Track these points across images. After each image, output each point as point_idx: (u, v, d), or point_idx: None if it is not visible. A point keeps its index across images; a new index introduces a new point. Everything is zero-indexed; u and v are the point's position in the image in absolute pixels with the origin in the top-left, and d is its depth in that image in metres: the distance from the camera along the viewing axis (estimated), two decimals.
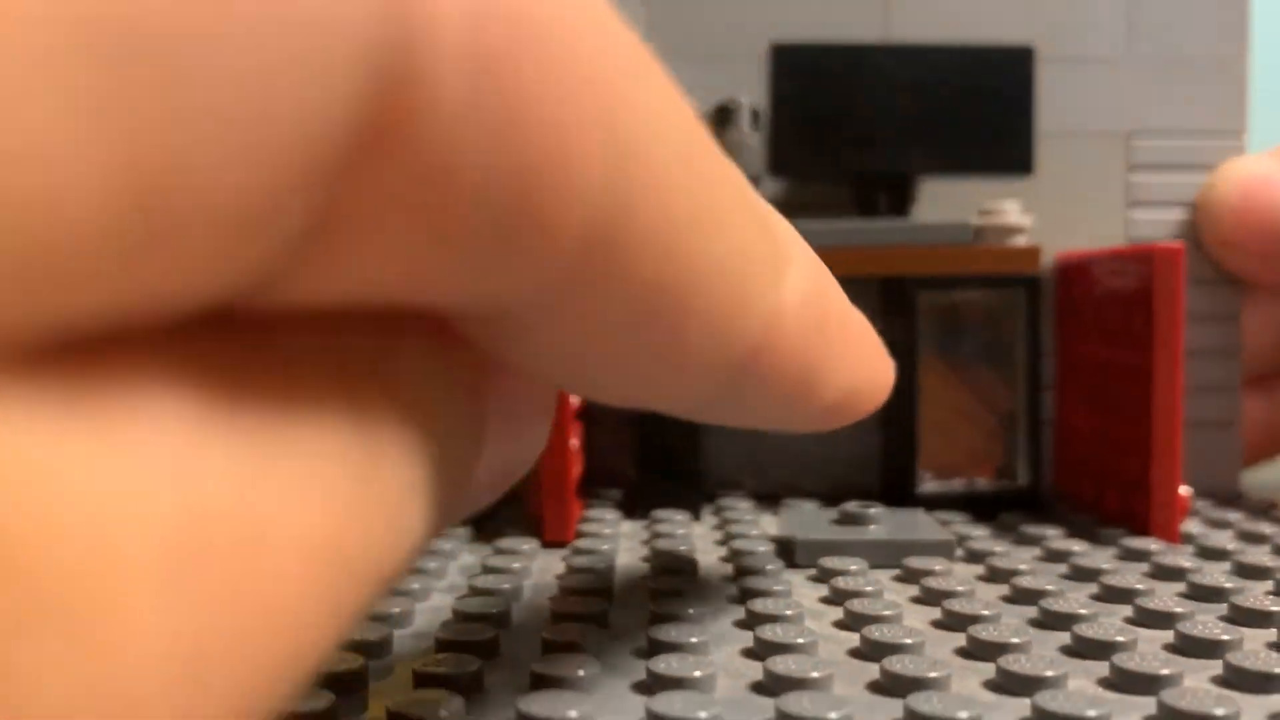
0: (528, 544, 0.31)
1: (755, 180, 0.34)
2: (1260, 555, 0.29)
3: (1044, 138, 0.38)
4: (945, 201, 0.38)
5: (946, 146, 0.36)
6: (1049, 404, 0.39)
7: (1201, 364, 0.39)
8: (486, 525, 0.34)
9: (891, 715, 0.20)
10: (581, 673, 0.21)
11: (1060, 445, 0.39)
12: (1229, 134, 0.39)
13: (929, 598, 0.26)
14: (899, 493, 0.36)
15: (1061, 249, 0.39)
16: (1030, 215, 0.36)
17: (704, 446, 0.39)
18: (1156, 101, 0.39)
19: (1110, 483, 0.35)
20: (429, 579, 0.28)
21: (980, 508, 0.35)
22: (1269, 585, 0.27)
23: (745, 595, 0.26)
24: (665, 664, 0.21)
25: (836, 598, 0.26)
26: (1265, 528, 0.32)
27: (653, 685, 0.20)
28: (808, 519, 0.32)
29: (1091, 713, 0.19)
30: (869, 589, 0.26)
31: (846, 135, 0.36)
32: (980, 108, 0.36)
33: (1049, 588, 0.26)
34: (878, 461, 0.39)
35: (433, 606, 0.26)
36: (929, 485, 0.36)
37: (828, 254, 0.35)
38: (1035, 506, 0.35)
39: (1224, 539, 0.31)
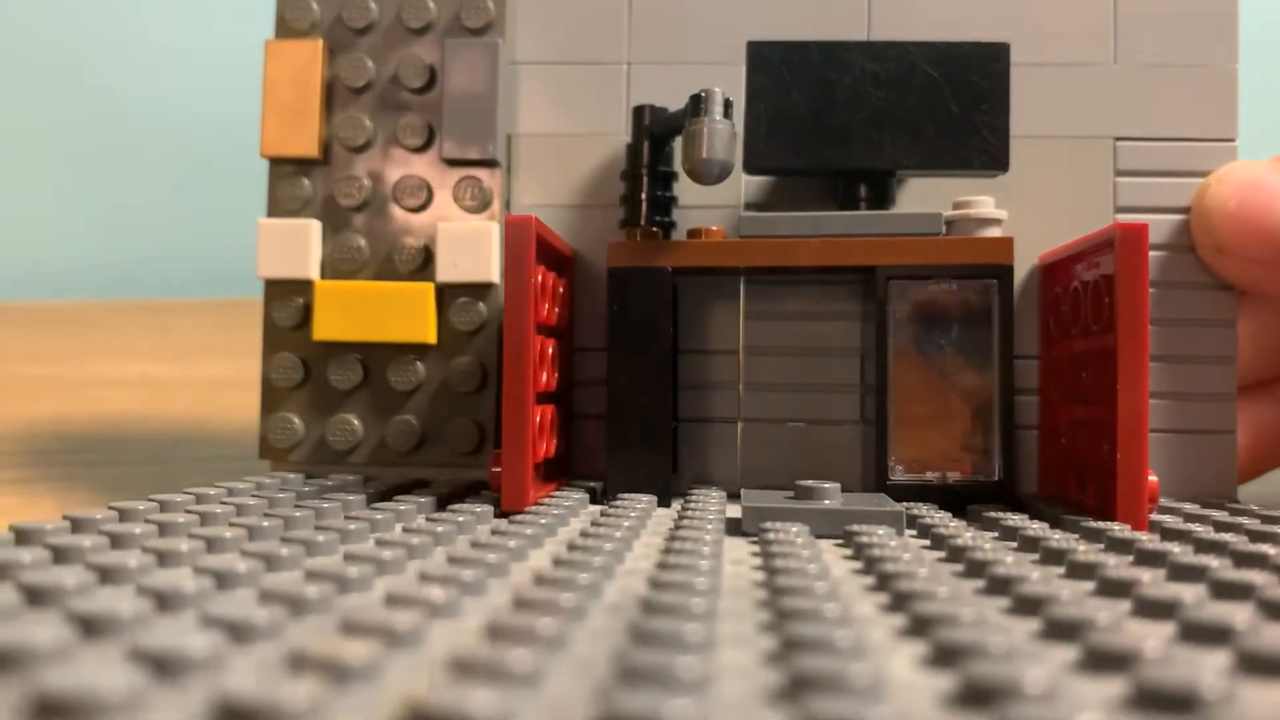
0: (481, 508, 0.31)
1: (728, 167, 0.35)
2: (1224, 536, 0.28)
3: (1030, 141, 0.39)
4: (930, 201, 0.38)
5: (921, 143, 0.36)
6: (1034, 408, 0.38)
7: (1198, 371, 0.38)
8: (454, 498, 0.35)
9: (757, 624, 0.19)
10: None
11: (1045, 449, 0.38)
12: (1220, 140, 0.38)
13: (857, 553, 0.26)
14: (871, 483, 0.36)
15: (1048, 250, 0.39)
16: (1005, 210, 0.36)
17: (685, 447, 0.39)
18: (1144, 107, 0.39)
19: (1089, 476, 0.34)
20: (375, 528, 0.29)
21: (951, 499, 0.35)
22: (1225, 560, 0.26)
23: (667, 544, 0.26)
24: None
25: (764, 551, 0.26)
26: (1244, 520, 0.31)
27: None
28: (764, 495, 0.32)
29: (965, 620, 0.18)
30: (798, 540, 0.26)
31: (822, 132, 0.36)
32: (956, 104, 0.36)
33: (985, 547, 0.26)
34: (861, 464, 0.39)
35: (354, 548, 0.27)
36: (901, 476, 0.35)
37: (803, 243, 0.36)
38: (1009, 502, 0.35)
39: (1193, 526, 0.30)
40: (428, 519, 0.29)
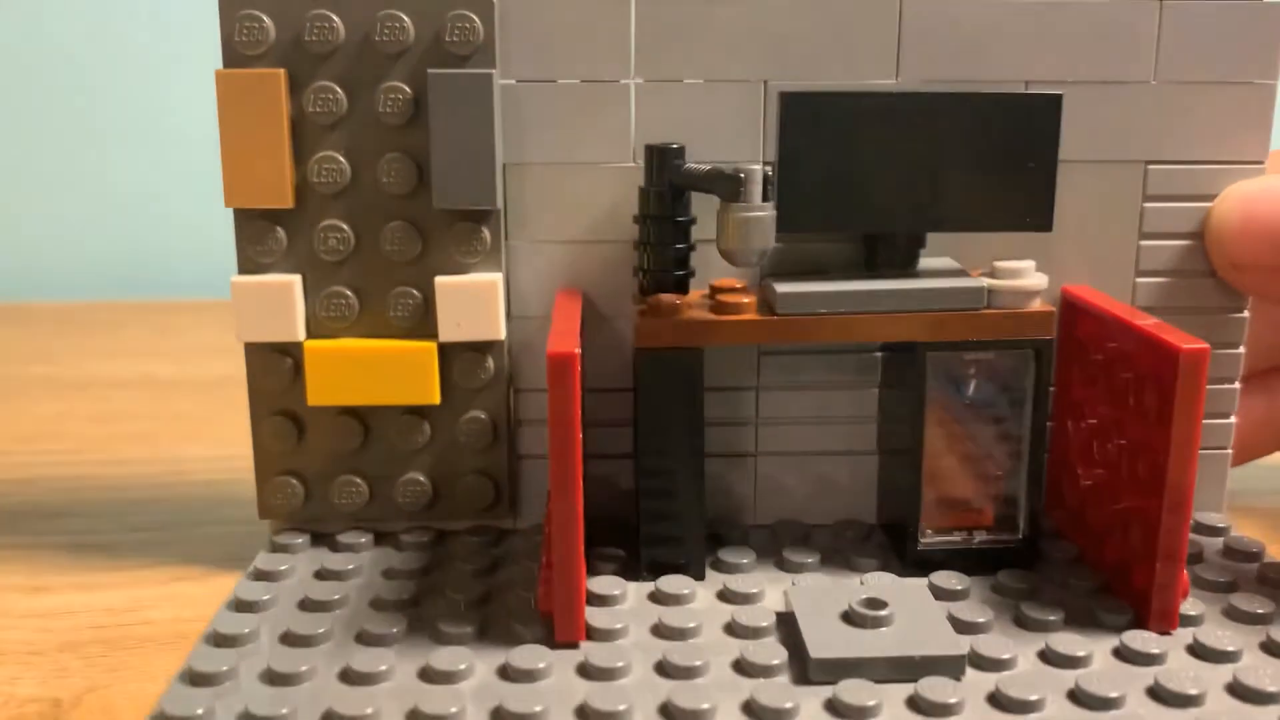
0: (542, 661, 0.30)
1: (768, 251, 0.33)
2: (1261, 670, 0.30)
3: (1060, 165, 0.37)
4: (957, 244, 0.37)
5: (962, 202, 0.34)
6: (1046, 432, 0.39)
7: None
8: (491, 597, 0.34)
9: None
10: None
11: (1053, 475, 0.39)
12: (1248, 164, 0.37)
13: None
14: (899, 546, 0.36)
15: (1070, 280, 0.38)
16: (1046, 275, 0.35)
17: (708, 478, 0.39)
18: (1177, 130, 0.37)
19: (1111, 540, 0.35)
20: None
21: (978, 562, 0.35)
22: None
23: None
24: None
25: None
26: (1256, 604, 0.33)
27: None
28: (816, 614, 0.32)
29: None
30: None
31: (857, 191, 0.34)
32: (1001, 160, 0.34)
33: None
34: (877, 492, 0.39)
35: None
36: (929, 538, 0.36)
37: (841, 320, 0.34)
38: (1032, 562, 0.36)
39: (1221, 635, 0.31)
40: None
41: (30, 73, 0.91)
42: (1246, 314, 0.38)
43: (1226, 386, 0.39)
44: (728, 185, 0.32)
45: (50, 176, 0.92)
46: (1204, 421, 0.38)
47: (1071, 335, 0.37)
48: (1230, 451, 0.40)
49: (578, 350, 0.30)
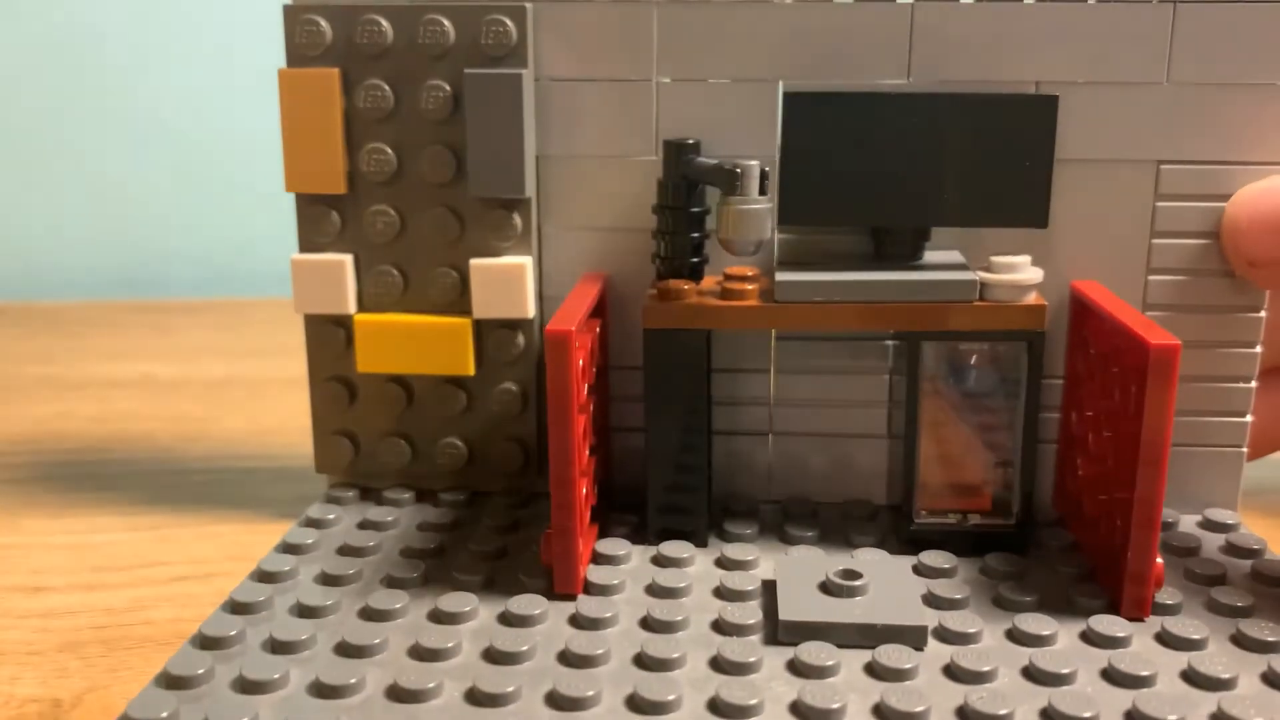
0: (539, 608, 0.33)
1: (763, 243, 0.35)
2: (1217, 659, 0.30)
3: (1071, 164, 0.38)
4: (974, 239, 0.38)
5: (961, 198, 0.35)
6: (1052, 422, 0.40)
7: (1218, 356, 0.39)
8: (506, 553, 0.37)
9: None
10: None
11: (1061, 466, 0.40)
12: (1268, 165, 0.37)
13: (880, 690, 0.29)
14: (899, 524, 0.38)
15: (1081, 276, 0.39)
16: (1041, 269, 0.36)
17: (726, 454, 0.41)
18: (1191, 129, 0.37)
19: (1098, 529, 0.36)
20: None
21: (970, 544, 0.37)
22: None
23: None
24: None
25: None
26: (1237, 597, 0.34)
27: None
28: (796, 581, 0.34)
29: None
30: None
31: (859, 186, 0.35)
32: (998, 159, 0.35)
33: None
34: (887, 475, 0.41)
35: None
36: (924, 518, 0.38)
37: (839, 308, 0.36)
38: (1024, 547, 0.37)
39: (1190, 624, 0.32)
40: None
41: (30, 73, 0.92)
42: (1263, 314, 0.39)
43: (1242, 385, 0.39)
44: (726, 179, 0.34)
45: (50, 177, 0.94)
46: (1218, 419, 0.40)
47: (1078, 330, 0.38)
48: (1245, 450, 0.40)
49: (574, 329, 0.33)
